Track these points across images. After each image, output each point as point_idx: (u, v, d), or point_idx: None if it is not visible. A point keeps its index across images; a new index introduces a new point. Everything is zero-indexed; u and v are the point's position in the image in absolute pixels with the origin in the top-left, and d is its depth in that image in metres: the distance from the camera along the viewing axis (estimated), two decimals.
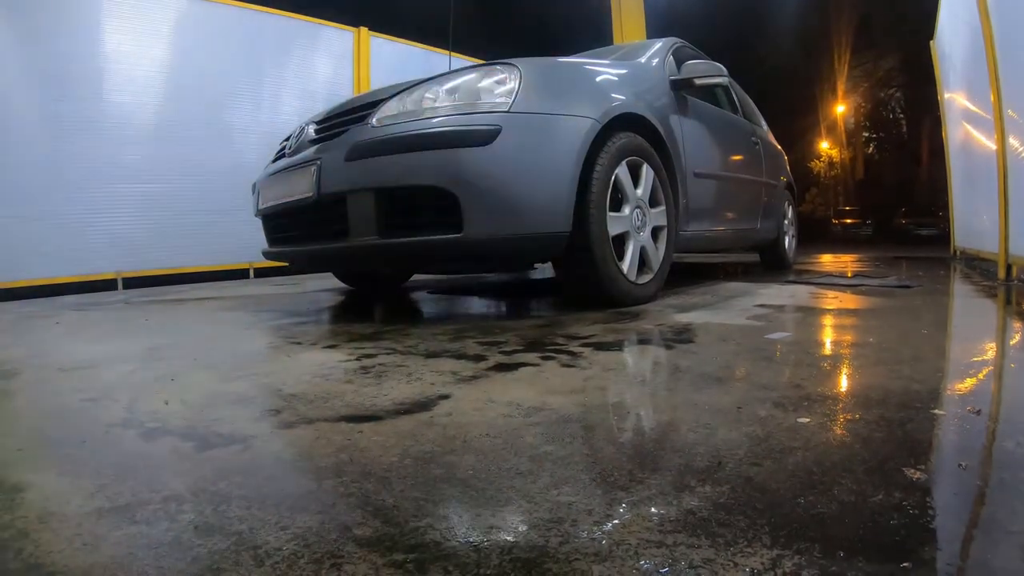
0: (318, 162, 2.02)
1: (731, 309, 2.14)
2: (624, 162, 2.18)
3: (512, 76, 1.94)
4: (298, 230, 2.29)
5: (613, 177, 2.11)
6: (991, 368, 1.29)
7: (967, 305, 2.37)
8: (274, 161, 2.53)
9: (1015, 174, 2.95)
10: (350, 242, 1.96)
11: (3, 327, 2.35)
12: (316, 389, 1.18)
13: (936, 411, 0.95)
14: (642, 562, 0.54)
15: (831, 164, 21.73)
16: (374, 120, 1.99)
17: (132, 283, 4.05)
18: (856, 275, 3.50)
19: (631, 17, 6.93)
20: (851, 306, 2.17)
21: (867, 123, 20.85)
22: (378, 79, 5.21)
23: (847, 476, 0.70)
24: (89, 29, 3.85)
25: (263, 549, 0.58)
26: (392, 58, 5.46)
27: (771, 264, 4.37)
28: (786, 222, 4.50)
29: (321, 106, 2.64)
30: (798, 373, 1.21)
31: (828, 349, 1.52)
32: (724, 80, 2.80)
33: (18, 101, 3.54)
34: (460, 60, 5.70)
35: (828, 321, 1.91)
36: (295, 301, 2.97)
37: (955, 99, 4.88)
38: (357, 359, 1.45)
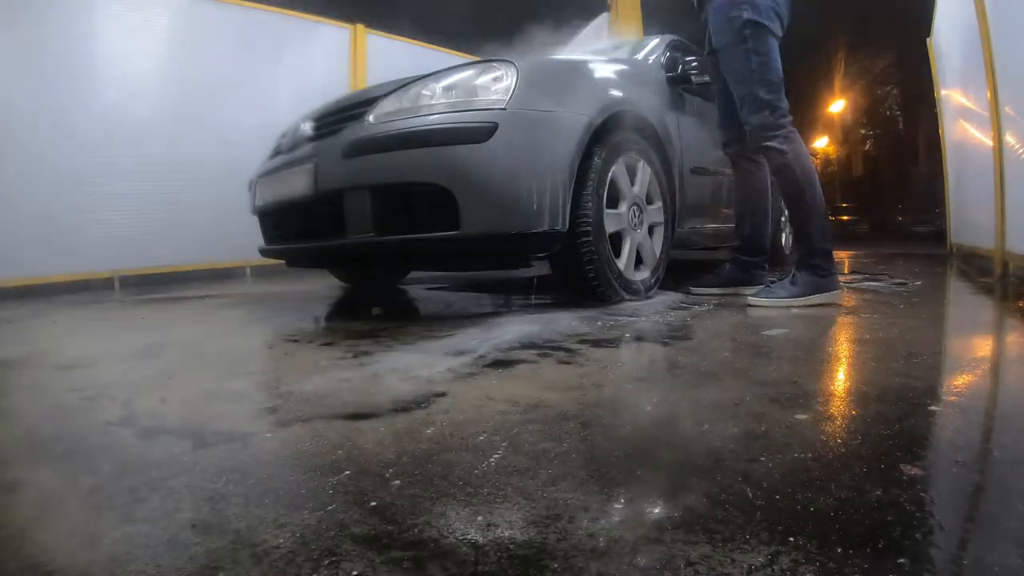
0: (314, 159, 2.01)
1: (728, 306, 2.14)
2: (621, 159, 2.18)
3: (508, 73, 1.94)
4: (295, 228, 2.28)
5: (610, 174, 2.11)
6: (988, 365, 1.30)
7: (963, 302, 2.38)
8: (270, 158, 2.52)
9: (1011, 171, 2.95)
10: (347, 239, 1.96)
11: (1, 325, 2.34)
12: (313, 387, 1.18)
13: (933, 407, 0.95)
14: (640, 559, 0.54)
15: (828, 161, 21.76)
16: (371, 117, 1.98)
17: (129, 281, 4.04)
18: (853, 272, 3.51)
19: (628, 14, 6.92)
20: (848, 303, 2.18)
21: (864, 120, 20.87)
22: (374, 76, 5.19)
23: (844, 472, 0.71)
24: (83, 25, 3.82)
25: (261, 547, 0.58)
26: (388, 55, 5.44)
27: (769, 260, 4.37)
28: (783, 219, 4.50)
29: (317, 103, 2.63)
30: (795, 370, 1.22)
31: (825, 345, 1.52)
32: None
33: (11, 98, 3.52)
34: (457, 57, 5.69)
35: (824, 317, 1.91)
36: (292, 299, 2.97)
37: (952, 96, 4.88)
38: (354, 356, 1.45)
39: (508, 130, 1.84)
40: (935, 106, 5.68)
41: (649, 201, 2.36)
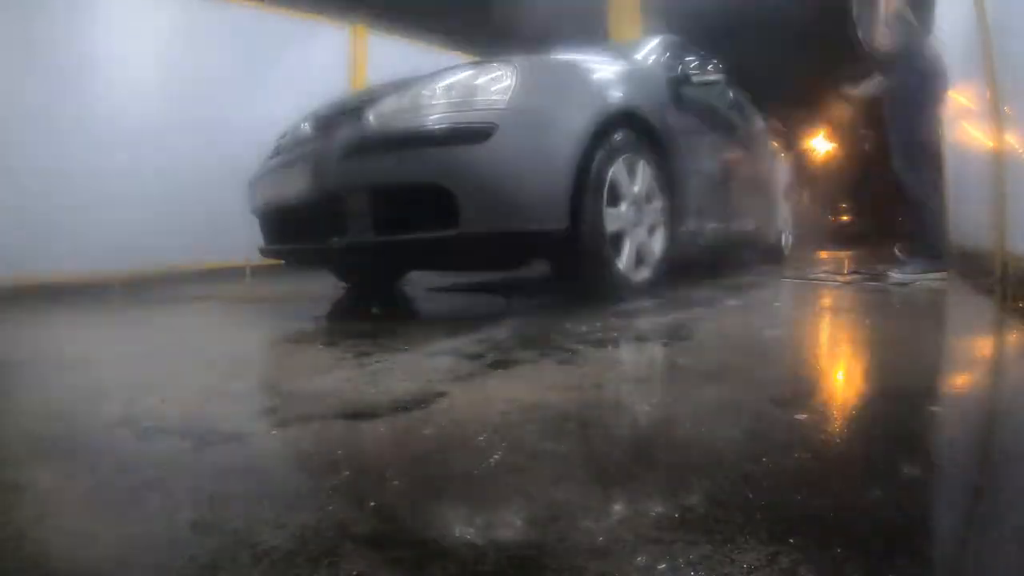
0: (314, 159, 2.01)
1: (728, 306, 2.14)
2: (621, 159, 2.18)
3: (508, 73, 1.94)
4: (295, 228, 2.28)
5: (610, 174, 2.11)
6: (987, 365, 1.30)
7: (963, 302, 2.38)
8: (270, 158, 2.52)
9: (1010, 171, 2.95)
10: (347, 240, 1.96)
11: (0, 325, 2.34)
12: (313, 387, 1.18)
13: (933, 407, 0.95)
14: (640, 559, 0.54)
15: (827, 162, 21.76)
16: (371, 117, 1.98)
17: (129, 281, 4.03)
18: (852, 272, 3.51)
19: (627, 14, 6.92)
20: (848, 303, 2.18)
21: (864, 119, 20.87)
22: (374, 76, 5.18)
23: (844, 472, 0.71)
24: (84, 25, 3.82)
25: (260, 547, 0.58)
26: (388, 55, 5.43)
27: (768, 260, 4.38)
28: (783, 219, 4.50)
29: (317, 103, 2.64)
30: (795, 370, 1.22)
31: (825, 346, 1.52)
32: (721, 77, 2.80)
33: (11, 98, 3.52)
34: (457, 57, 5.68)
35: (825, 318, 1.91)
36: (292, 299, 2.97)
37: (951, 96, 4.88)
38: (354, 356, 1.45)
39: (508, 130, 1.84)
40: None
41: (649, 201, 2.37)
